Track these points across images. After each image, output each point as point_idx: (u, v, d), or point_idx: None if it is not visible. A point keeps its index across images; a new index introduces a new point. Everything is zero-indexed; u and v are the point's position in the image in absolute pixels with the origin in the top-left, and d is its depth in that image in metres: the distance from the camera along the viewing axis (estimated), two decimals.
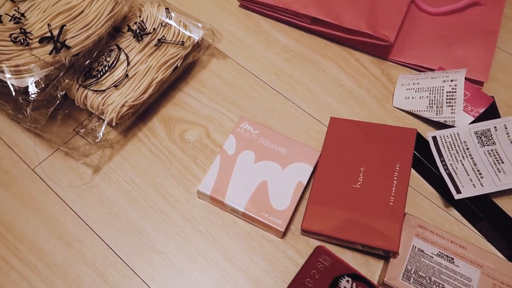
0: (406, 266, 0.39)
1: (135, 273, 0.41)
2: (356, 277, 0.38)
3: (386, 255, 0.41)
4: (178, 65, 0.49)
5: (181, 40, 0.50)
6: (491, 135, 0.46)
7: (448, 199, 0.46)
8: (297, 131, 0.50)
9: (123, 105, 0.45)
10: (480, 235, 0.44)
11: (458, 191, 0.43)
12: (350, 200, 0.41)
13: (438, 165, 0.45)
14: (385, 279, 0.39)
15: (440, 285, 0.38)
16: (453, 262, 0.39)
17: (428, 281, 0.39)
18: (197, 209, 0.44)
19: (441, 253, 0.40)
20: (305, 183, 0.42)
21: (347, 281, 0.38)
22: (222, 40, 0.56)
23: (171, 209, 0.44)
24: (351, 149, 0.45)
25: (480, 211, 0.43)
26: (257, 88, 0.53)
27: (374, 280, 0.41)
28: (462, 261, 0.40)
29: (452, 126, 0.48)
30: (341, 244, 0.42)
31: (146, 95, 0.47)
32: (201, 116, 0.50)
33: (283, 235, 0.42)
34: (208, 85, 0.53)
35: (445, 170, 0.44)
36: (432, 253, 0.40)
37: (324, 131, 0.50)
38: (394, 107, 0.52)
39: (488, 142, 0.46)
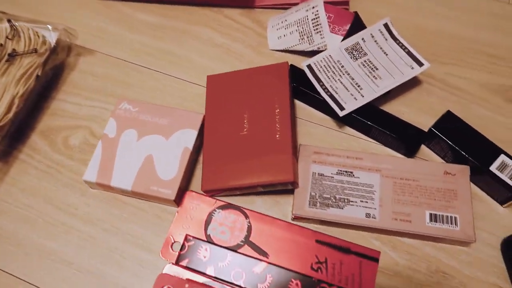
0: (310, 193, 0.40)
1: None
2: (225, 206, 0.40)
3: (292, 188, 0.41)
4: (39, 74, 0.47)
5: (33, 48, 0.47)
6: (361, 47, 0.47)
7: (339, 119, 0.46)
8: (183, 102, 0.49)
9: None
10: (377, 142, 0.46)
11: (342, 108, 0.44)
12: (240, 148, 0.41)
13: (319, 90, 0.45)
14: (293, 212, 0.39)
15: (346, 200, 0.39)
16: (353, 175, 0.40)
17: (334, 200, 0.39)
18: (98, 210, 0.43)
19: (340, 170, 0.41)
20: (191, 148, 0.42)
21: (219, 213, 0.39)
22: (87, 36, 0.54)
23: (72, 218, 0.42)
24: (231, 100, 0.44)
25: (368, 120, 0.44)
26: (134, 73, 0.51)
27: (288, 218, 0.41)
28: (361, 172, 0.41)
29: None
30: (247, 193, 0.42)
31: (10, 114, 0.44)
32: (81, 118, 0.48)
33: (179, 203, 0.42)
34: (81, 85, 0.50)
35: (326, 93, 0.45)
36: (331, 173, 0.41)
37: None
38: (271, 50, 0.52)
39: (359, 55, 0.47)
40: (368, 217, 0.39)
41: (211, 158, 0.41)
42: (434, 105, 0.48)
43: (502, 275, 0.39)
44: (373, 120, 0.44)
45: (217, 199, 0.40)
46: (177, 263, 0.37)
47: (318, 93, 0.46)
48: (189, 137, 0.42)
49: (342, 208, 0.39)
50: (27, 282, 0.39)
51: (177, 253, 0.37)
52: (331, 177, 0.41)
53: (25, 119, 0.48)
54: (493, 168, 0.40)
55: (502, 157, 0.41)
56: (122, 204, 0.43)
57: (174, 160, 0.41)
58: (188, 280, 0.36)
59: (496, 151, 0.41)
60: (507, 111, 0.47)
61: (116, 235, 0.41)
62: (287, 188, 0.41)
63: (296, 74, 0.47)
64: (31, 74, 0.46)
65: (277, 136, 0.41)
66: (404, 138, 0.43)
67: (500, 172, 0.40)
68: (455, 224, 0.38)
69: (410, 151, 0.44)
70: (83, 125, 0.47)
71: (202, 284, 0.36)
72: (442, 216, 0.39)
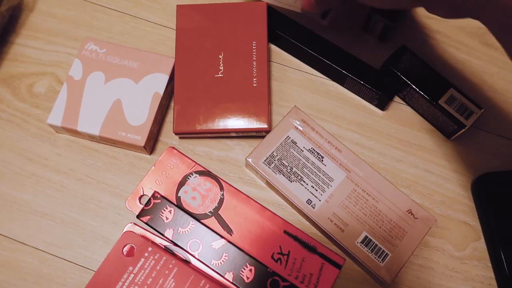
0: (273, 152, 0.39)
1: (24, 244, 0.38)
2: (203, 173, 0.38)
3: (265, 136, 0.40)
4: None
5: None
6: None
7: (314, 66, 0.45)
8: (154, 46, 0.46)
9: None
10: (353, 93, 0.45)
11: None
12: (215, 91, 0.40)
13: None
14: (247, 157, 0.39)
15: (299, 177, 0.38)
16: (322, 161, 0.39)
17: (289, 170, 0.38)
18: (70, 159, 0.41)
19: (313, 149, 0.39)
20: (161, 93, 0.40)
21: (195, 177, 0.38)
22: None
23: (43, 169, 0.41)
24: (205, 37, 0.42)
25: (343, 69, 0.43)
26: (99, 15, 0.48)
27: None
28: (331, 162, 0.39)
29: None
30: (218, 136, 0.42)
31: None
32: (45, 64, 0.45)
33: (151, 150, 0.41)
34: (42, 28, 0.47)
35: None
36: (304, 147, 0.39)
37: None
38: None
39: None
40: (308, 203, 0.38)
41: (183, 99, 0.40)
42: (411, 48, 0.47)
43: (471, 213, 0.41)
44: (348, 69, 0.43)
45: (197, 163, 0.38)
46: (139, 216, 0.36)
47: (296, 38, 0.44)
48: (160, 81, 0.41)
49: (291, 182, 0.38)
50: (1, 234, 0.39)
51: (142, 207, 0.36)
52: (301, 150, 0.39)
53: None
54: (441, 101, 0.41)
55: (451, 91, 0.41)
56: (95, 153, 0.41)
57: (144, 105, 0.40)
58: (152, 243, 0.35)
59: (446, 86, 0.42)
60: (483, 53, 0.47)
61: (90, 184, 0.40)
62: (260, 136, 0.40)
63: (272, 16, 0.45)
64: None
65: (254, 82, 0.40)
66: (378, 89, 0.42)
67: (448, 105, 0.41)
68: (382, 260, 0.36)
69: (382, 104, 0.43)
70: (48, 71, 0.45)
71: (164, 250, 0.35)
72: (376, 245, 0.36)
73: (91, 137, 0.40)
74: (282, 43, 0.46)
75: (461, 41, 0.48)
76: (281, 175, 0.38)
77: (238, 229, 0.37)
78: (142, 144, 0.39)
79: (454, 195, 0.41)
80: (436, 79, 0.42)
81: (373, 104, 0.44)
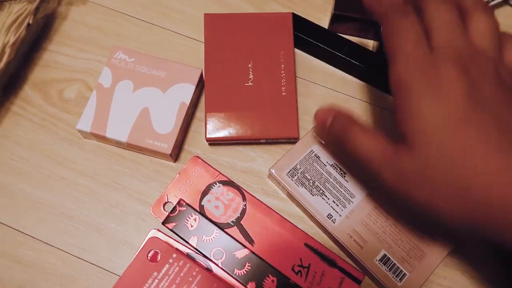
0: (296, 165, 0.40)
1: (49, 245, 0.39)
2: (227, 183, 0.39)
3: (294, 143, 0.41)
4: (30, 22, 0.45)
5: None
6: None
7: (334, 63, 0.46)
8: (181, 57, 0.48)
9: None
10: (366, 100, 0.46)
11: None
12: (245, 99, 0.41)
13: None
14: (270, 168, 0.39)
15: (321, 191, 0.39)
16: (344, 177, 0.39)
17: (311, 184, 0.39)
18: (98, 164, 0.42)
19: (336, 164, 0.40)
20: (188, 102, 0.41)
21: (219, 187, 0.39)
22: None
23: (71, 172, 0.42)
24: (233, 46, 0.43)
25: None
26: (128, 25, 0.49)
27: None
28: (353, 178, 0.39)
29: None
30: (246, 143, 0.43)
31: (1, 64, 0.42)
32: (76, 71, 0.46)
33: (176, 158, 0.42)
34: (74, 36, 0.48)
35: None
36: (327, 162, 0.40)
37: None
38: None
39: None
40: (329, 217, 0.38)
41: (214, 107, 0.41)
42: None
43: None
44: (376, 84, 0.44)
45: (221, 173, 0.39)
46: (164, 223, 0.37)
47: (321, 40, 0.45)
48: (187, 91, 0.42)
49: (313, 195, 0.39)
50: (26, 234, 0.40)
51: (167, 214, 0.37)
52: (324, 165, 0.40)
53: (17, 71, 0.46)
54: None
55: None
56: (121, 159, 0.43)
57: (170, 114, 0.41)
58: (176, 250, 0.36)
59: None
60: None
61: (116, 189, 0.41)
62: (290, 142, 0.42)
63: (297, 22, 0.46)
64: (21, 22, 0.44)
65: (283, 91, 0.41)
66: None
67: None
68: (400, 280, 0.36)
69: None
70: (78, 78, 0.46)
71: (187, 256, 0.36)
72: (394, 264, 0.36)
73: (118, 144, 0.41)
74: (308, 48, 0.46)
75: None
76: (303, 188, 0.39)
77: (260, 239, 0.37)
78: (169, 152, 0.39)
79: None
80: None
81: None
